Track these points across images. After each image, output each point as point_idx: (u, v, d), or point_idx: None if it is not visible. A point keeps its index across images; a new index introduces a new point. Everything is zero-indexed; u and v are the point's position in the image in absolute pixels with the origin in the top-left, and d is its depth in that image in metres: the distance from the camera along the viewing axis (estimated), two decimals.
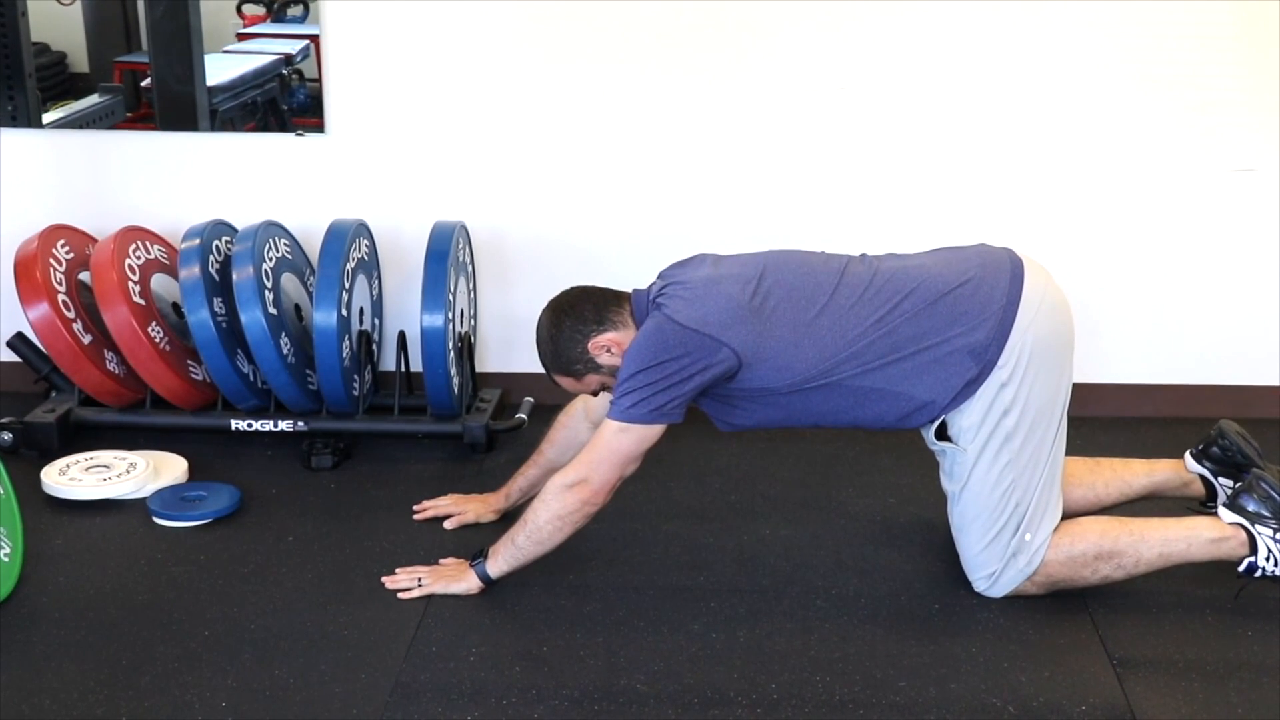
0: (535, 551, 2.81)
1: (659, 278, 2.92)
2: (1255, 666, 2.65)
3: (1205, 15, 3.53)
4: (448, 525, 3.19)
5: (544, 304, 2.83)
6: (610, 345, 2.83)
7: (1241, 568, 2.80)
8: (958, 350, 2.72)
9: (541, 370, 2.93)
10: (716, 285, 2.78)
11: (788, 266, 2.84)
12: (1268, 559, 2.78)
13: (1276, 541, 2.78)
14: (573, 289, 2.93)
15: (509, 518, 3.10)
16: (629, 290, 2.91)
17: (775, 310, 2.75)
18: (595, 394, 2.96)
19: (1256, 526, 2.80)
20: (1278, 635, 2.76)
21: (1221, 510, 2.85)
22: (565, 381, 2.92)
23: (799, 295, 2.77)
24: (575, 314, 2.85)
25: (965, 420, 2.78)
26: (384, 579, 2.92)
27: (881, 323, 2.74)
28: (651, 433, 2.75)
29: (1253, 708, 2.53)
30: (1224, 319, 3.81)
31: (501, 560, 2.84)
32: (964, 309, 2.74)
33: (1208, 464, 3.05)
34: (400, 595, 2.86)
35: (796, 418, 2.86)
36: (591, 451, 2.77)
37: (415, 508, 3.25)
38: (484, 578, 2.86)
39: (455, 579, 2.88)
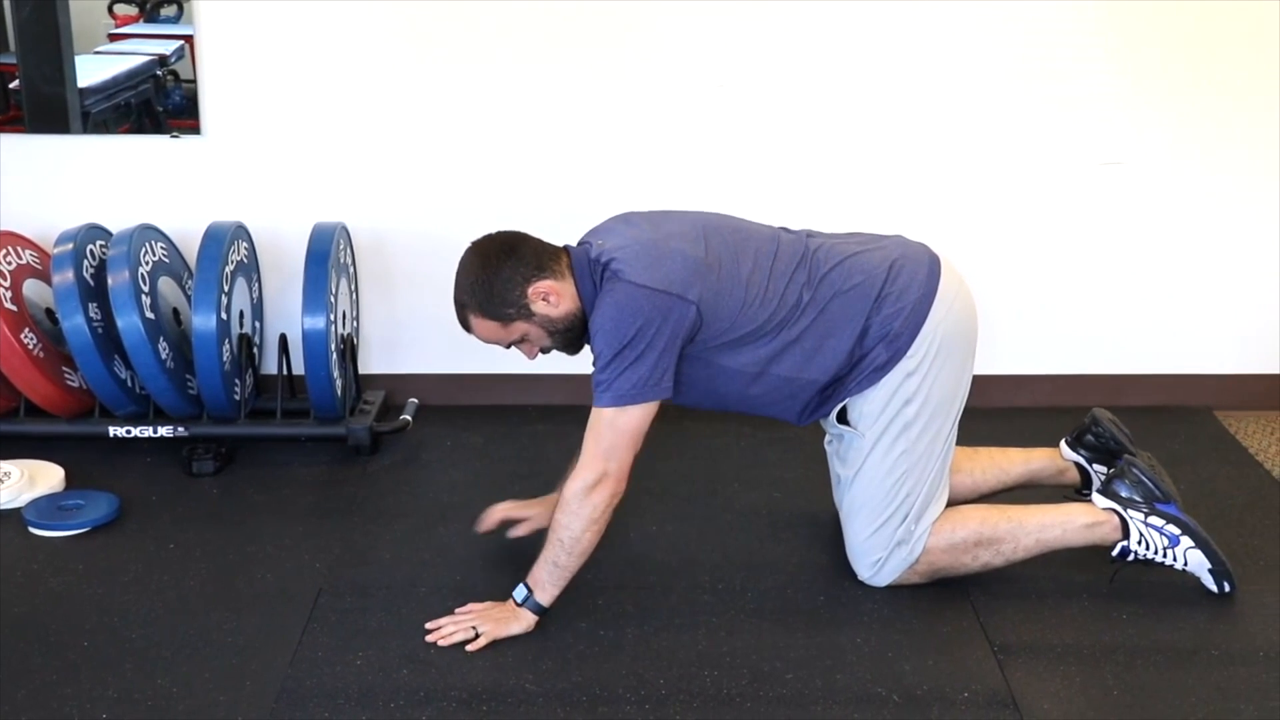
0: (578, 564, 2.71)
1: (592, 236, 2.81)
2: (1130, 649, 2.72)
3: (1076, 13, 3.61)
4: (515, 533, 3.04)
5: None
6: (549, 294, 2.70)
7: (1115, 552, 2.87)
8: (871, 335, 2.76)
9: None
10: (668, 243, 2.71)
11: (725, 228, 2.82)
12: (1140, 543, 2.85)
13: (1148, 525, 2.85)
14: (505, 232, 2.77)
15: None
16: (560, 244, 2.80)
17: (724, 270, 2.71)
18: (508, 347, 2.81)
19: (1129, 511, 2.86)
20: (1151, 617, 2.83)
21: (1095, 496, 2.92)
22: (486, 327, 2.73)
23: (743, 256, 2.75)
24: (516, 256, 2.69)
25: (867, 406, 2.81)
26: (432, 635, 2.71)
27: (815, 298, 2.75)
28: (650, 408, 2.66)
29: (1127, 689, 2.59)
30: (1095, 310, 3.89)
31: (549, 586, 2.72)
32: (885, 293, 2.76)
33: (1082, 451, 3.12)
34: (468, 648, 2.67)
35: (716, 395, 2.84)
36: (597, 444, 2.65)
37: (477, 524, 3.08)
38: (538, 611, 2.74)
39: (511, 620, 2.73)
